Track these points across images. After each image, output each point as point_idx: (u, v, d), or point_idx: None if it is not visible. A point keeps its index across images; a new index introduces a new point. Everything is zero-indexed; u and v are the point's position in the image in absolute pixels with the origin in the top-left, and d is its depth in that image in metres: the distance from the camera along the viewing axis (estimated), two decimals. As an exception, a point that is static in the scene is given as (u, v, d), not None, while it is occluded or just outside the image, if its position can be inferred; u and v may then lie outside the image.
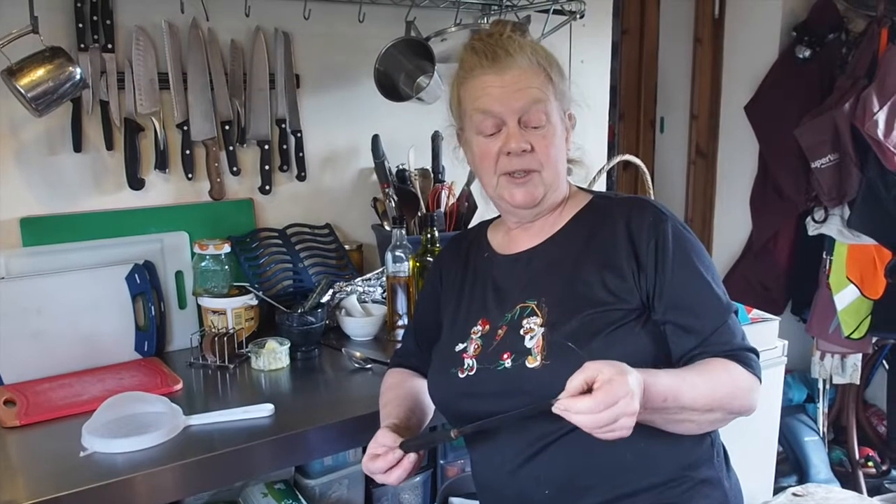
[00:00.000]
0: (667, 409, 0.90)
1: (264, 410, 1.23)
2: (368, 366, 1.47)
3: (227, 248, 1.58)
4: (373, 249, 1.91)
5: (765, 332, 1.89)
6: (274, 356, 1.46)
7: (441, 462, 1.73)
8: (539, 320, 1.01)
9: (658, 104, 3.21)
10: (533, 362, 0.98)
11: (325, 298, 1.61)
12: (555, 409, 0.81)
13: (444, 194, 1.83)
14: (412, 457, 0.98)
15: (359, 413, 1.25)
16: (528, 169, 1.04)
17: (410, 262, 1.61)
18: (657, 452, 0.98)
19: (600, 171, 1.89)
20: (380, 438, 1.01)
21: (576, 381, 0.82)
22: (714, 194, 2.99)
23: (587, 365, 0.82)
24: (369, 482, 1.61)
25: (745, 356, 0.98)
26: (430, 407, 1.17)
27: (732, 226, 2.90)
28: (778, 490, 2.00)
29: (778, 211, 2.66)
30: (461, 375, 1.05)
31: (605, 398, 0.79)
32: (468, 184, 1.84)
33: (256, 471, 1.21)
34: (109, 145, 1.56)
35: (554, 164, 1.05)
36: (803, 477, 2.51)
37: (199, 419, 1.20)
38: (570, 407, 0.80)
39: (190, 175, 1.65)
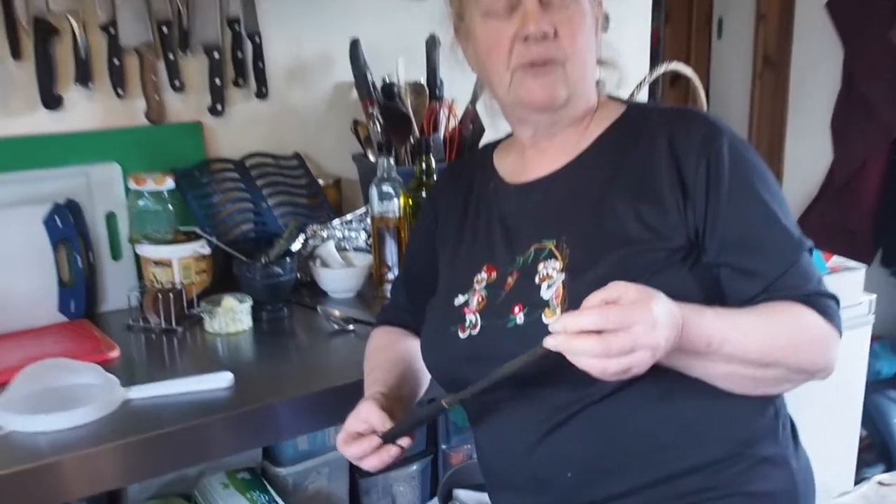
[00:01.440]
0: (711, 354, 0.90)
1: (221, 381, 1.25)
2: (350, 327, 1.48)
3: (169, 184, 1.58)
4: (354, 185, 1.90)
5: (847, 283, 1.88)
6: (232, 316, 1.47)
7: (443, 447, 1.76)
8: (559, 264, 1.01)
9: (715, 1, 3.16)
10: (551, 316, 0.98)
11: (296, 246, 1.62)
12: (546, 342, 0.81)
13: (442, 115, 1.82)
14: (393, 448, 1.00)
15: (339, 383, 1.26)
16: (549, 59, 1.02)
17: (401, 200, 1.61)
18: (707, 424, 0.99)
19: (640, 84, 1.87)
20: (363, 413, 1.02)
21: (593, 299, 0.82)
22: (785, 115, 2.97)
23: (612, 284, 0.82)
24: (355, 471, 1.65)
25: (821, 302, 0.98)
26: (425, 373, 1.18)
27: (808, 155, 2.89)
28: (861, 481, 2.02)
29: (866, 136, 2.63)
30: (462, 335, 1.06)
31: (619, 317, 0.79)
32: (473, 101, 1.83)
33: (213, 454, 1.24)
34: (16, 53, 1.55)
35: (581, 56, 1.04)
36: (893, 465, 2.54)
37: (141, 391, 1.22)
38: (569, 325, 0.80)
39: (120, 91, 1.64)
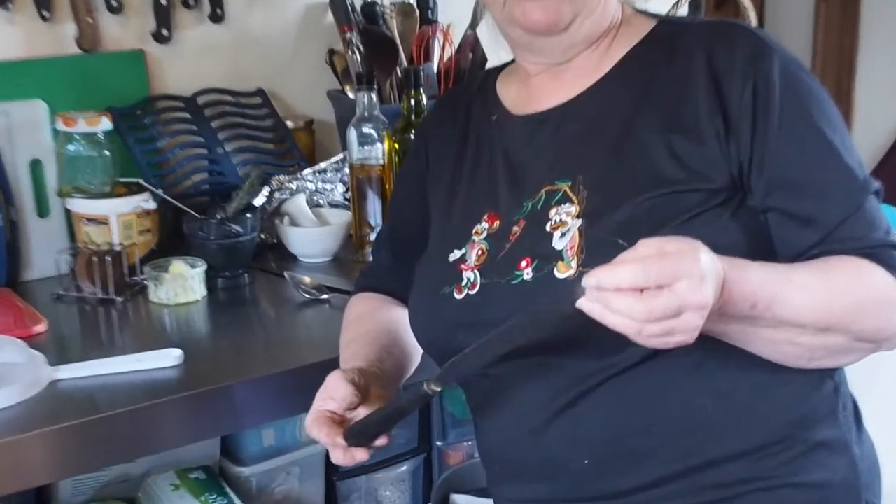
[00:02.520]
0: (756, 318, 0.90)
1: (169, 358, 1.25)
2: (324, 296, 1.49)
3: (106, 125, 1.57)
4: (329, 127, 1.91)
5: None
6: (182, 284, 1.48)
7: (438, 444, 1.77)
8: (574, 209, 1.01)
9: None
10: (565, 270, 0.98)
11: (259, 200, 1.62)
12: (581, 303, 0.80)
13: (436, 42, 1.82)
14: (358, 453, 1.00)
15: (310, 361, 1.27)
16: None
17: (386, 144, 1.61)
18: (753, 401, 0.99)
19: (676, 4, 1.86)
20: (330, 388, 1.01)
21: (627, 256, 0.80)
22: (855, 50, 2.95)
23: (642, 242, 0.81)
24: (331, 472, 1.66)
25: (890, 255, 0.98)
26: (416, 347, 1.18)
27: (882, 97, 2.88)
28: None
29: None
30: (458, 296, 1.06)
31: (661, 270, 0.78)
32: (473, 25, 1.83)
33: (159, 445, 1.25)
34: (-81, -34, 1.55)
35: None
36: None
37: (73, 371, 1.22)
38: (604, 281, 0.78)
39: (46, 13, 1.63)
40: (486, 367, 0.92)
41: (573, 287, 0.81)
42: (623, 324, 0.79)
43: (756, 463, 0.99)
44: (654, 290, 0.78)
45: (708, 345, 0.94)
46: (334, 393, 1.00)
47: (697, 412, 0.98)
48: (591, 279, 0.79)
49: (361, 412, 1.01)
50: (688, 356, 0.95)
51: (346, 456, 1.00)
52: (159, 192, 1.59)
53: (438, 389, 0.93)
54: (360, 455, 1.00)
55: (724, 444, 0.99)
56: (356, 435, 0.99)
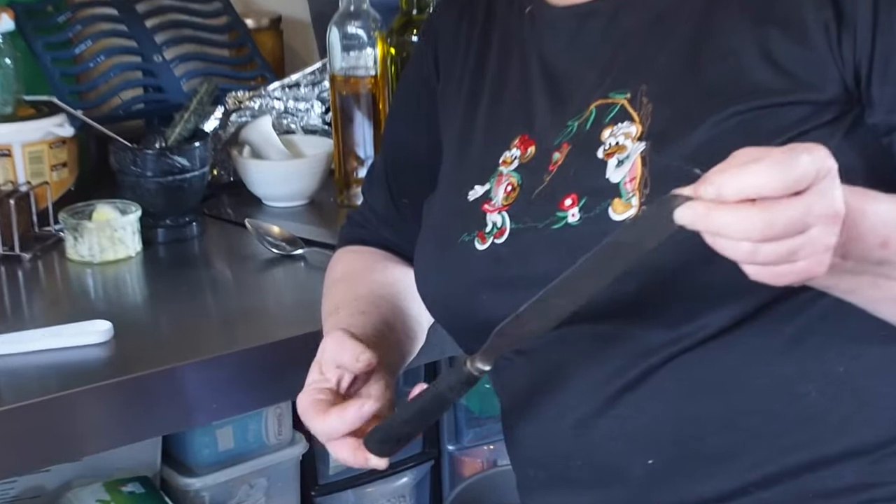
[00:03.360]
0: (889, 263, 0.89)
1: (94, 333, 1.26)
2: (298, 251, 1.50)
3: (7, 24, 1.57)
4: (303, 27, 1.93)
5: None
6: (111, 235, 1.48)
7: (449, 448, 1.78)
8: (635, 129, 1.01)
9: None
10: (623, 209, 0.98)
11: (211, 124, 1.63)
12: (679, 216, 0.76)
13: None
14: (372, 459, 1.00)
15: (279, 336, 1.29)
16: None
17: (379, 49, 1.62)
18: (872, 385, 0.99)
19: None
20: (331, 351, 1.02)
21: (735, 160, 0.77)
22: None
23: (737, 152, 0.78)
24: (308, 483, 1.68)
25: None
26: (422, 318, 1.19)
27: None
28: None
29: None
30: (481, 246, 1.06)
31: (790, 167, 0.74)
32: None
33: (83, 447, 1.26)
34: None
35: None
36: None
37: (-32, 350, 1.23)
38: (726, 191, 0.74)
39: None
40: (547, 332, 0.92)
41: (673, 202, 0.78)
42: (733, 246, 0.77)
43: (875, 464, 0.99)
44: (775, 197, 0.75)
45: (810, 312, 0.95)
46: (339, 355, 1.01)
47: (797, 400, 0.99)
48: (709, 187, 0.76)
49: (374, 392, 1.02)
50: (785, 326, 0.96)
51: (356, 456, 1.00)
52: (78, 113, 1.60)
53: (486, 368, 0.92)
54: (373, 462, 1.00)
55: (833, 440, 0.99)
56: (381, 441, 0.99)
